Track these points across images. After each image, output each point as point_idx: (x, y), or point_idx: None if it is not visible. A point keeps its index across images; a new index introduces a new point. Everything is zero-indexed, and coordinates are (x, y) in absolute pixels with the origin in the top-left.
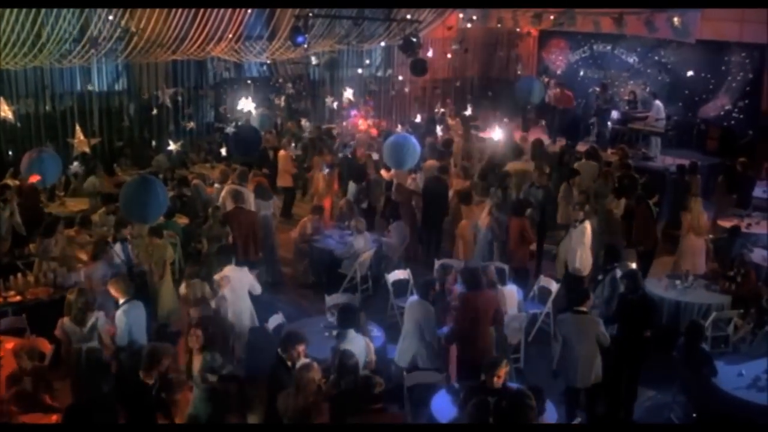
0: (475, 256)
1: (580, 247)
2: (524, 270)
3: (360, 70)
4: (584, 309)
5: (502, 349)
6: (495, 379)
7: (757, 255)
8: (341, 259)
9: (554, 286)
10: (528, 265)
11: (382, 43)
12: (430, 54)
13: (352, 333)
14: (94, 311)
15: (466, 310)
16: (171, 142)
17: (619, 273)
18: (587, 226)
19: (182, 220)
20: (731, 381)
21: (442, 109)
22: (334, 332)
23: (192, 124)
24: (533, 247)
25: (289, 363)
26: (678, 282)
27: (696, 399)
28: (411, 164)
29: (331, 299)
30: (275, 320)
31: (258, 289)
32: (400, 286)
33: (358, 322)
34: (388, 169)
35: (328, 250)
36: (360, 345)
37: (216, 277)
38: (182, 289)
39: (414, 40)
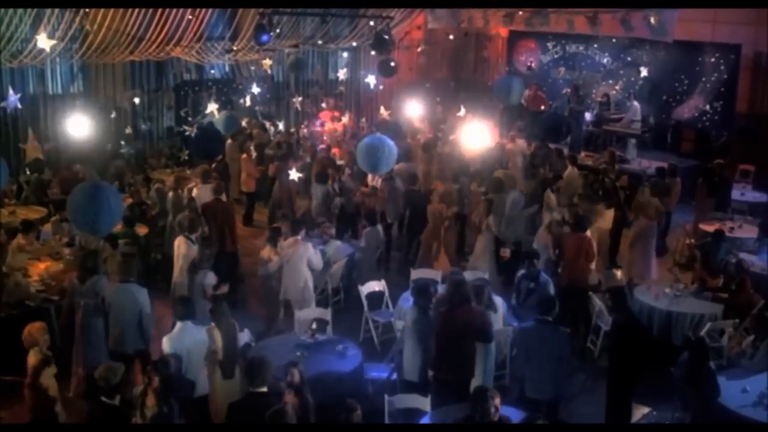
0: None
1: None
2: (582, 290)
3: (345, 54)
4: (550, 318)
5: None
6: (492, 410)
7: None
8: None
9: None
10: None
11: (353, 43)
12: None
13: (188, 325)
14: (98, 274)
15: (444, 327)
16: (123, 143)
17: (543, 275)
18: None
19: (142, 230)
20: (735, 398)
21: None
22: (306, 352)
23: (147, 125)
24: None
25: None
26: (668, 290)
27: (699, 418)
28: (386, 168)
29: (302, 314)
30: (242, 339)
31: (317, 264)
32: (374, 299)
33: (193, 313)
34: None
35: None
36: (196, 337)
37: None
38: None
39: (386, 37)
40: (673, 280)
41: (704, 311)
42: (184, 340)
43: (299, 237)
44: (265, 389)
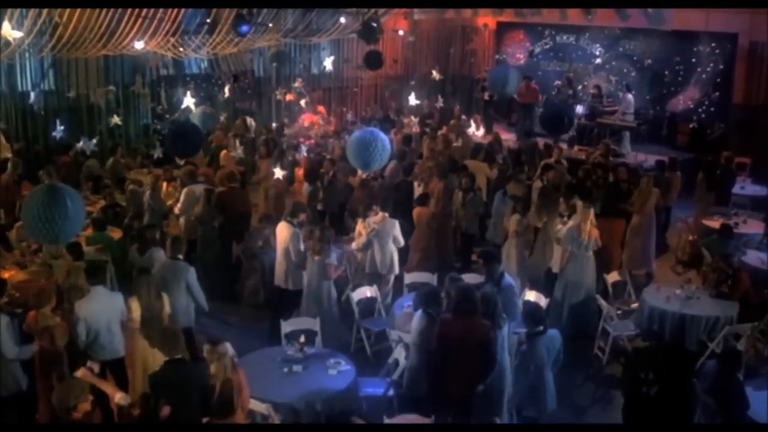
0: (578, 268)
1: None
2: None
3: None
4: (541, 328)
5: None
6: None
7: (752, 257)
8: None
9: (543, 302)
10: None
11: (347, 18)
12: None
13: (99, 290)
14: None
15: (441, 337)
16: (81, 141)
17: (507, 278)
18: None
19: (115, 233)
20: (765, 411)
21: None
22: (294, 367)
23: (116, 120)
24: None
25: None
26: (679, 291)
27: None
28: (379, 164)
29: (288, 324)
30: None
31: (400, 241)
32: (366, 306)
33: (103, 279)
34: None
35: None
36: (107, 302)
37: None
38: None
39: (374, 25)
40: (681, 280)
41: (719, 314)
42: (93, 305)
43: (386, 214)
44: (180, 356)
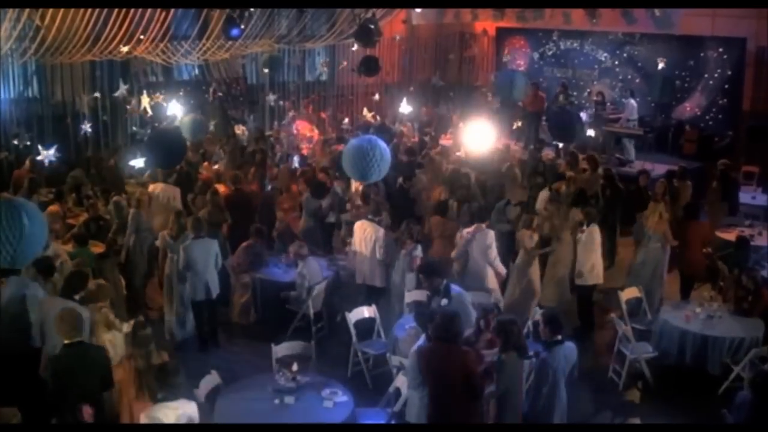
0: (646, 266)
1: (591, 253)
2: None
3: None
4: (560, 337)
5: None
6: None
7: None
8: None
9: None
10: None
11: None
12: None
13: (11, 280)
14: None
15: (426, 369)
16: (41, 150)
17: (454, 287)
18: (596, 230)
19: (97, 248)
20: None
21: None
22: (286, 399)
23: (87, 127)
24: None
25: None
26: (698, 310)
27: None
28: (377, 176)
29: (280, 349)
30: (208, 383)
31: (493, 256)
32: (364, 328)
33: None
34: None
35: (272, 282)
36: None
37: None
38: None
39: (372, 27)
40: (697, 295)
41: (744, 334)
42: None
43: (484, 225)
44: (81, 339)
